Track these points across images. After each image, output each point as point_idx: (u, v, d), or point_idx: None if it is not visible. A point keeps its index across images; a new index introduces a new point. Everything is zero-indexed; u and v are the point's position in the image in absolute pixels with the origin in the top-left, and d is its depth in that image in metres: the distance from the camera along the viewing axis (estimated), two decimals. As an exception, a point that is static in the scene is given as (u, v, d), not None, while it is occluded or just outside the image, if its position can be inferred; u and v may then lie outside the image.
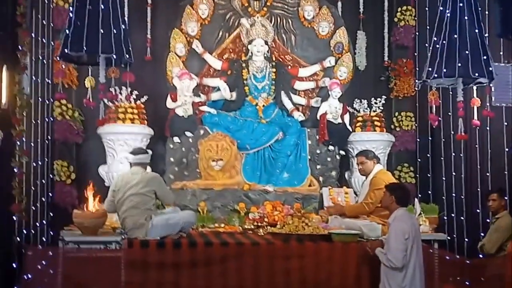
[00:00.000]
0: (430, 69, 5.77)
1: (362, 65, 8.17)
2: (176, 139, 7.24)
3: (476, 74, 5.70)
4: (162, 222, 5.29)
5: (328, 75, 7.77)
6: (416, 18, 8.19)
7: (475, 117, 6.05)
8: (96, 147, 7.08)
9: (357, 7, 8.18)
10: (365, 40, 8.20)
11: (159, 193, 5.36)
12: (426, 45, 7.07)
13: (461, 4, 5.71)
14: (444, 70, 5.66)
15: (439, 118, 7.18)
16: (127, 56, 5.69)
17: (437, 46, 5.76)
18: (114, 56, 5.54)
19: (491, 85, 6.13)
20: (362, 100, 7.61)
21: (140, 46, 7.55)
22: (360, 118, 7.57)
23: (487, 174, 6.56)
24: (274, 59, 7.75)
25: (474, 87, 6.14)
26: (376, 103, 7.56)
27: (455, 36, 5.66)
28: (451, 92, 6.86)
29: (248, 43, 7.64)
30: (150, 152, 5.77)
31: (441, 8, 5.82)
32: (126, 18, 6.50)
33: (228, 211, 6.76)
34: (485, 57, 5.71)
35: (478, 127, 6.40)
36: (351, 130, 7.53)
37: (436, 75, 5.72)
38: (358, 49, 8.15)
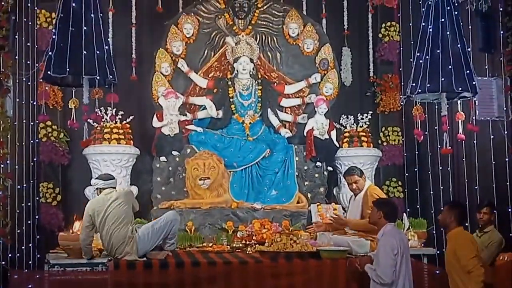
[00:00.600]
0: (414, 84, 5.83)
1: (348, 81, 8.23)
2: (162, 158, 7.23)
3: (460, 89, 5.76)
4: (147, 230, 5.35)
5: (314, 92, 7.82)
6: (400, 34, 8.30)
7: (460, 131, 6.09)
8: (82, 168, 7.06)
9: (342, 24, 8.26)
10: (350, 56, 8.27)
11: (134, 206, 5.46)
12: (411, 60, 7.13)
13: (443, 20, 5.78)
14: (428, 85, 5.72)
15: (425, 133, 7.25)
16: (111, 77, 5.70)
17: (420, 61, 5.82)
18: (98, 77, 5.53)
19: (475, 99, 6.19)
20: (349, 116, 7.67)
21: (125, 66, 7.57)
22: (347, 134, 7.62)
23: (475, 187, 6.60)
24: (260, 76, 7.80)
25: (459, 101, 6.20)
26: (362, 118, 7.62)
27: (438, 51, 5.73)
28: (436, 107, 6.93)
29: (234, 61, 7.69)
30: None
31: (424, 24, 5.90)
32: (110, 39, 6.52)
33: (216, 230, 6.73)
34: (468, 72, 5.78)
35: (464, 141, 6.44)
36: (338, 146, 7.57)
37: (420, 90, 5.78)
38: (343, 65, 8.22)
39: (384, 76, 8.33)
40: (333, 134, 7.61)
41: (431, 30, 5.77)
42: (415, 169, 7.82)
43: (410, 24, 7.76)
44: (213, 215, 6.85)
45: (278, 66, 7.93)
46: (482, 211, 5.89)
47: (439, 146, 7.08)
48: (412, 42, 7.46)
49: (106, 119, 6.88)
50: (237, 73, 7.70)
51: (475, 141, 6.61)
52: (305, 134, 7.54)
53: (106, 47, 5.71)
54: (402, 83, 8.10)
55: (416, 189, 7.76)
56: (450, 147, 6.26)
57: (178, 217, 5.75)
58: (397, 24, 8.30)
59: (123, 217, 5.28)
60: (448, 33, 5.74)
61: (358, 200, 5.96)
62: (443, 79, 5.67)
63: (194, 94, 7.76)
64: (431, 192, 7.44)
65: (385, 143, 8.21)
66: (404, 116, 8.02)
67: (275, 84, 7.85)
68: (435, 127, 7.13)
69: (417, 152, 7.82)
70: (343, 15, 8.24)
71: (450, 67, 5.68)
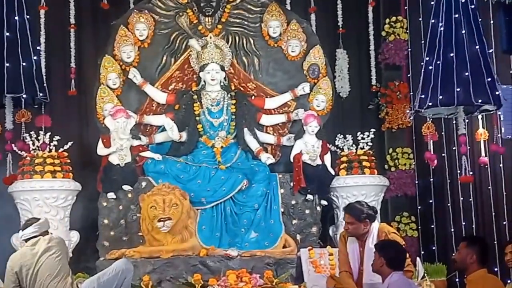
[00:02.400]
0: (423, 96, 5.90)
1: (345, 92, 8.31)
2: (110, 195, 7.20)
3: (480, 101, 5.83)
4: (92, 284, 5.35)
5: (302, 106, 7.87)
6: (408, 31, 8.41)
7: (483, 153, 6.17)
8: (6, 210, 7.01)
9: (335, 20, 8.37)
10: (346, 60, 8.37)
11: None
12: (422, 63, 7.24)
13: (456, 16, 5.87)
14: (440, 97, 5.79)
15: (442, 155, 7.32)
16: (41, 94, 5.72)
17: (430, 67, 5.90)
18: (24, 96, 5.54)
19: (499, 113, 6.28)
20: (346, 136, 7.71)
21: (62, 79, 7.59)
22: (344, 158, 7.65)
23: (503, 222, 6.66)
24: (233, 88, 7.83)
25: (479, 116, 6.28)
26: (363, 138, 7.66)
27: (451, 54, 5.81)
28: (454, 122, 7.02)
29: (200, 70, 7.72)
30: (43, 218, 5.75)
31: (433, 21, 5.99)
32: (41, 46, 6.55)
33: (180, 286, 6.70)
34: (489, 79, 5.85)
35: (487, 166, 6.52)
36: (333, 173, 7.59)
37: (430, 104, 5.85)
38: (338, 72, 8.31)
39: (390, 84, 8.42)
40: (327, 158, 7.63)
41: (442, 28, 5.85)
42: (431, 201, 7.88)
43: (421, 19, 7.85)
44: (176, 266, 6.82)
45: (256, 75, 7.97)
46: (508, 251, 5.93)
47: (458, 171, 7.16)
48: (423, 41, 7.55)
49: (36, 147, 6.85)
50: (205, 85, 7.73)
51: (501, 165, 6.70)
52: (291, 159, 7.57)
53: (35, 57, 5.73)
54: (412, 93, 8.19)
55: (432, 226, 7.82)
56: (471, 174, 6.31)
57: (131, 266, 5.72)
58: (405, 19, 8.42)
59: (59, 270, 5.28)
60: (463, 31, 5.83)
61: (371, 248, 5.93)
62: (458, 89, 5.75)
63: (150, 111, 7.76)
64: (451, 230, 7.49)
65: (393, 169, 8.28)
66: (415, 135, 8.09)
67: (253, 97, 7.89)
68: (453, 148, 7.21)
69: (432, 180, 7.89)
70: (337, 9, 8.35)
71: (467, 73, 5.76)
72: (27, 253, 5.36)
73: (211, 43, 7.74)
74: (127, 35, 7.75)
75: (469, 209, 7.18)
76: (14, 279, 5.30)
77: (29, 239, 5.42)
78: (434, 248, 7.69)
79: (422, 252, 7.62)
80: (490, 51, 6.14)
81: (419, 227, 8.05)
